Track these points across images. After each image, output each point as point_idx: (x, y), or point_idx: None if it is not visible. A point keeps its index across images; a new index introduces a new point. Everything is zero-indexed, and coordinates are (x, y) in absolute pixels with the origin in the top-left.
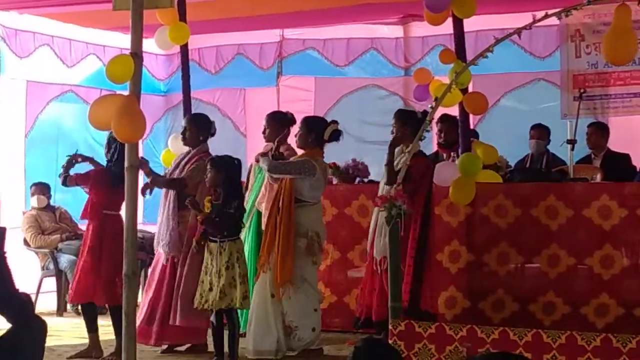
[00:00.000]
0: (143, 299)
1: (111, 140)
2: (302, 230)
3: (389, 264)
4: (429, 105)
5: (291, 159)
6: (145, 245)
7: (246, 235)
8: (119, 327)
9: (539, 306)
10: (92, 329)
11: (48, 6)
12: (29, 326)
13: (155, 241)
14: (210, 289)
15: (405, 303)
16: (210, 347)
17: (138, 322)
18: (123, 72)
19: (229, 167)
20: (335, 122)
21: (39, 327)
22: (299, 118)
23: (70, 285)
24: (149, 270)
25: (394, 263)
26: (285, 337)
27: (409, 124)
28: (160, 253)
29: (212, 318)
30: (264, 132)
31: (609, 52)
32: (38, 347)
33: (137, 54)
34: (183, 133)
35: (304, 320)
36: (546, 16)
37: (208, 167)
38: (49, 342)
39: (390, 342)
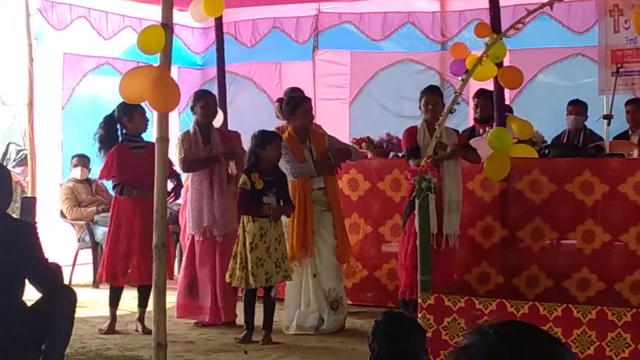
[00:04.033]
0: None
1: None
2: None
3: (419, 238)
4: (460, 78)
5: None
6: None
7: None
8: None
9: (573, 282)
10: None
11: None
12: (59, 296)
13: (205, 218)
14: (261, 265)
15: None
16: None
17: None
18: (154, 42)
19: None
20: None
21: (69, 297)
22: (334, 92)
23: None
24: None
25: (424, 237)
26: (332, 313)
27: (442, 98)
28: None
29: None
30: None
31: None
32: (68, 316)
33: (167, 25)
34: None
35: (343, 291)
36: None
37: (272, 138)
38: (84, 313)
39: (419, 315)
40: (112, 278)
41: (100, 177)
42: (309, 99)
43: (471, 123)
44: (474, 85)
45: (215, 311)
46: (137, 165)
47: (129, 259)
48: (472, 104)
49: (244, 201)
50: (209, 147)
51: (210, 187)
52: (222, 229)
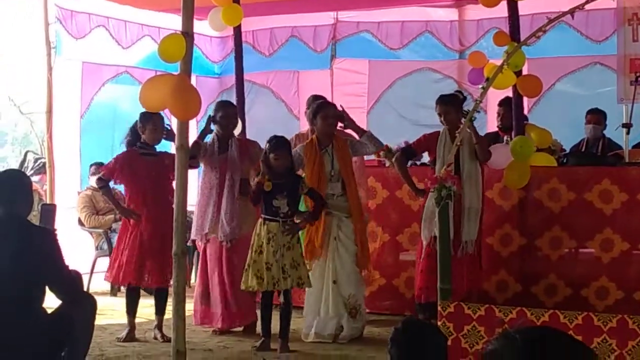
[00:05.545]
0: (203, 280)
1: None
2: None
3: (439, 245)
4: (480, 86)
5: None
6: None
7: None
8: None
9: (592, 291)
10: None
11: None
12: (79, 302)
13: (207, 225)
14: (268, 269)
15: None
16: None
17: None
18: (175, 51)
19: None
20: None
21: (89, 304)
22: (352, 101)
23: None
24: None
25: (444, 244)
26: (350, 320)
27: (456, 107)
28: (213, 237)
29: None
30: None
31: None
32: (87, 323)
33: (188, 33)
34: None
35: (362, 298)
36: None
37: (275, 147)
38: (101, 320)
39: (439, 323)
40: (123, 278)
41: (101, 169)
42: (332, 105)
43: (489, 131)
44: (491, 94)
45: (227, 316)
46: (142, 173)
47: (140, 262)
48: (490, 112)
49: (254, 193)
50: (224, 155)
51: (219, 194)
52: (229, 234)
